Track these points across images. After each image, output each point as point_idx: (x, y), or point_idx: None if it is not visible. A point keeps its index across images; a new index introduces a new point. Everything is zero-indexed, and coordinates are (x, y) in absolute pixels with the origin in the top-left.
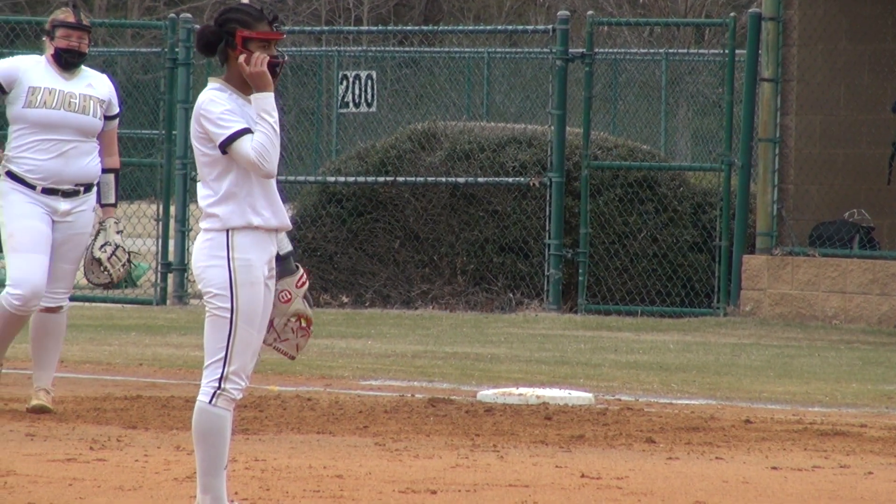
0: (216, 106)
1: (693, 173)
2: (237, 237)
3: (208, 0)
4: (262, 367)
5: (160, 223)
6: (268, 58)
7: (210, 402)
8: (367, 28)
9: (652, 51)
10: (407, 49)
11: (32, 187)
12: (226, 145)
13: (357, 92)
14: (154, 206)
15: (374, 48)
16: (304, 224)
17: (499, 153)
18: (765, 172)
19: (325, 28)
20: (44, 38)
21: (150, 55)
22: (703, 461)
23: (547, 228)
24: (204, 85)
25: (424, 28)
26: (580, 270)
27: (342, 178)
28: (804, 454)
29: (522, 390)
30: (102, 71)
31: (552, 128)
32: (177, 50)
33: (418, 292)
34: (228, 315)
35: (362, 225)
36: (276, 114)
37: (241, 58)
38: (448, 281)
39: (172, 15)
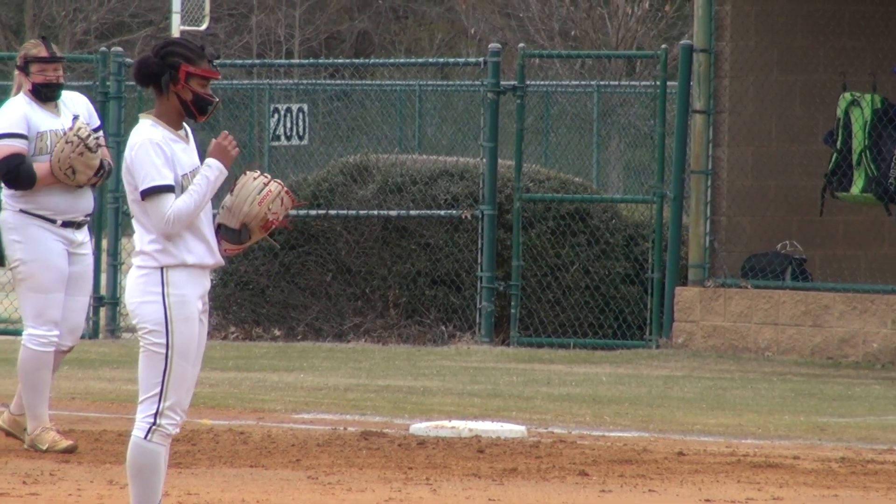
0: (147, 152)
1: (625, 205)
2: (172, 274)
3: (139, 34)
4: (195, 401)
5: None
6: (229, 136)
7: (145, 437)
8: (298, 61)
9: (584, 83)
10: (338, 82)
11: (52, 221)
12: (146, 195)
13: (289, 125)
14: None
15: (305, 81)
16: (237, 257)
17: (431, 186)
18: (697, 204)
19: (257, 61)
20: (16, 73)
21: (80, 88)
22: (636, 494)
23: (479, 261)
24: (134, 119)
25: (356, 61)
26: (512, 303)
27: None
28: (737, 486)
29: (455, 423)
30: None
31: (484, 160)
32: (108, 83)
33: (350, 325)
34: (164, 351)
35: (294, 258)
36: (215, 187)
37: (221, 140)
38: (380, 314)
39: (103, 48)
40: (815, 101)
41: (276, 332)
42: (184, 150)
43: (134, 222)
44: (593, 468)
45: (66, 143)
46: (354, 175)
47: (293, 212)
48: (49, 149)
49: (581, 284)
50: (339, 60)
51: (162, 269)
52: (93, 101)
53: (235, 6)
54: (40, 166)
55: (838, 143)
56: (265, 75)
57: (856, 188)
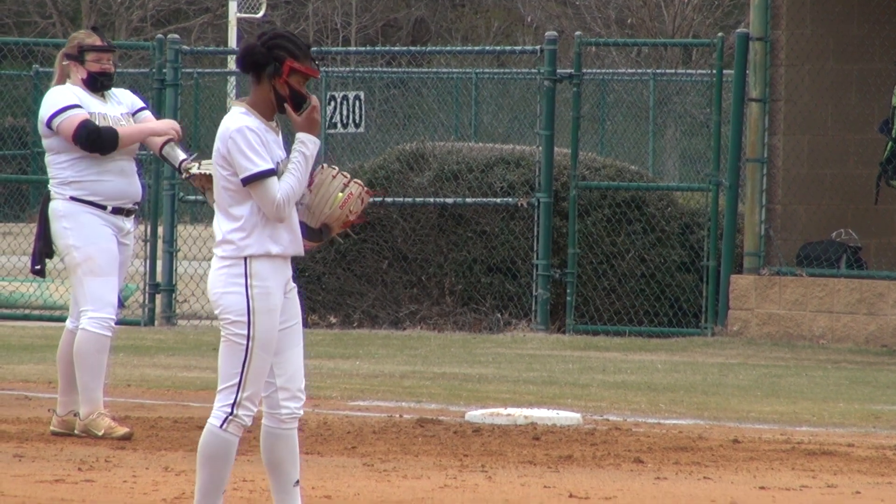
0: (246, 137)
1: (681, 193)
2: (255, 265)
3: (196, 21)
4: None
5: (148, 244)
6: (318, 107)
7: (221, 426)
8: (354, 49)
9: (640, 71)
10: (395, 70)
11: (103, 207)
12: (249, 182)
13: (345, 112)
14: (142, 227)
15: (361, 69)
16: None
17: (487, 173)
18: (752, 192)
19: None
20: (65, 63)
21: (137, 76)
22: (691, 481)
23: (535, 249)
24: (191, 106)
25: (412, 49)
26: (568, 290)
27: None
28: (792, 474)
29: (511, 411)
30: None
31: (540, 148)
32: (164, 70)
33: (406, 313)
34: (245, 342)
35: (350, 245)
36: (312, 161)
37: (310, 112)
38: (436, 301)
39: (160, 36)
40: (871, 89)
41: (332, 320)
42: (273, 139)
43: (217, 209)
44: (648, 455)
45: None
46: (411, 162)
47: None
48: None
49: (636, 272)
50: (396, 48)
51: (245, 259)
52: (137, 92)
53: None
54: (124, 129)
55: (893, 132)
56: (322, 62)
57: None
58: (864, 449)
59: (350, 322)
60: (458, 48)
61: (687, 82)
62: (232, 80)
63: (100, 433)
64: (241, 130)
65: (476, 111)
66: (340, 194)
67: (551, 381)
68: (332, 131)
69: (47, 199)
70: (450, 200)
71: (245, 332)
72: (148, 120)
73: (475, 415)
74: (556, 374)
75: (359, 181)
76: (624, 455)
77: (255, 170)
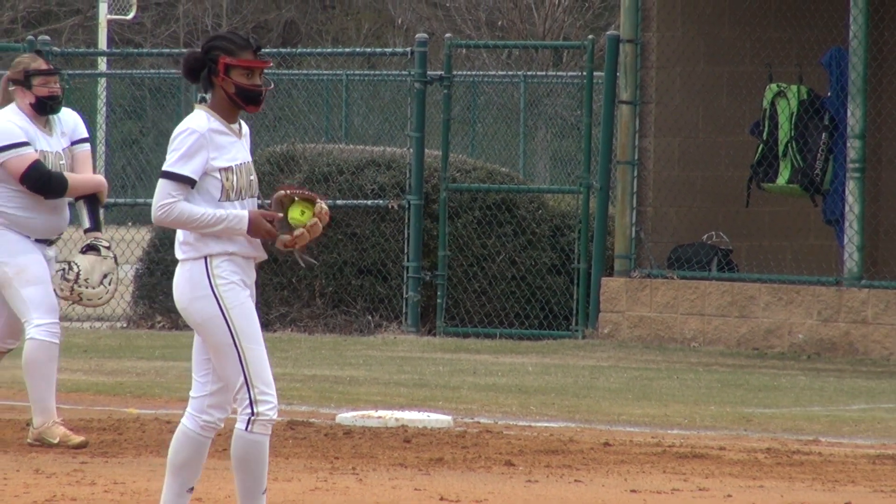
0: (182, 137)
1: (552, 196)
2: (216, 262)
3: (67, 22)
4: (121, 390)
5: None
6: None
7: (246, 428)
8: None
9: (510, 73)
10: (265, 71)
11: (27, 236)
12: (161, 175)
13: None
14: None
15: None
16: (163, 246)
17: (357, 176)
18: (623, 195)
19: (184, 50)
20: (12, 89)
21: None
22: (562, 484)
23: (405, 251)
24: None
25: (283, 50)
26: (439, 293)
27: None
28: (663, 477)
29: (381, 413)
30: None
31: (411, 150)
32: None
33: (277, 315)
34: (231, 341)
35: None
36: (221, 231)
37: (267, 224)
38: (307, 303)
39: (30, 37)
40: (742, 92)
41: None
42: (232, 142)
43: None
44: (519, 458)
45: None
46: (281, 164)
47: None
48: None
49: (507, 274)
50: (266, 50)
51: (205, 258)
52: (81, 115)
53: None
54: (73, 177)
55: (764, 134)
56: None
57: (781, 179)
58: (736, 452)
59: None
60: (329, 50)
61: (558, 84)
62: (103, 81)
63: (55, 441)
64: (184, 131)
65: (346, 113)
66: (301, 229)
67: (422, 384)
68: None
69: None
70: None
71: (227, 331)
72: (86, 157)
73: (346, 417)
74: (426, 377)
75: (323, 204)
76: (495, 458)
77: (170, 168)
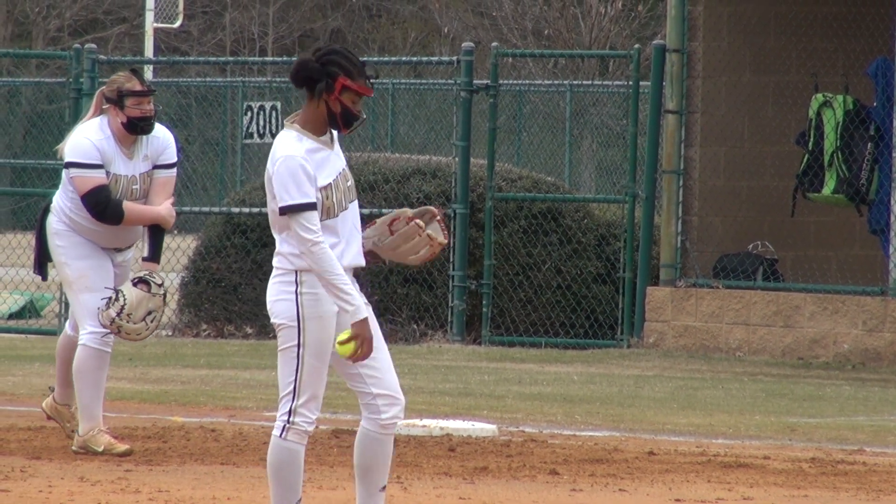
0: (289, 167)
1: (597, 205)
2: (305, 275)
3: (113, 31)
4: (166, 398)
5: None
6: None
7: (281, 435)
8: (271, 59)
9: (556, 82)
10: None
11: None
12: (284, 212)
13: (261, 122)
14: None
15: (278, 79)
16: (209, 255)
17: (403, 184)
18: (669, 204)
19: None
20: (105, 107)
21: (54, 85)
22: (606, 493)
23: (451, 260)
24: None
25: None
26: (484, 302)
27: (247, 209)
28: (708, 486)
29: (426, 422)
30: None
31: (456, 159)
32: (81, 80)
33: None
34: (296, 349)
35: (267, 256)
36: (338, 294)
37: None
38: None
39: (77, 45)
40: (788, 102)
41: (248, 330)
42: (327, 157)
43: (270, 221)
44: (564, 467)
45: None
46: None
47: (265, 209)
48: (119, 194)
49: (553, 284)
50: None
51: (296, 271)
52: (175, 137)
53: (209, 3)
54: (133, 207)
55: (810, 144)
56: (239, 73)
57: (827, 189)
58: (780, 461)
59: (266, 332)
60: (375, 58)
61: (603, 94)
62: None
63: (100, 449)
64: (286, 161)
65: (392, 122)
66: (423, 251)
67: (467, 393)
68: (248, 141)
69: (47, 208)
70: (366, 211)
71: (296, 338)
72: (164, 182)
73: None
74: (471, 386)
75: (442, 235)
76: (539, 467)
77: (291, 202)
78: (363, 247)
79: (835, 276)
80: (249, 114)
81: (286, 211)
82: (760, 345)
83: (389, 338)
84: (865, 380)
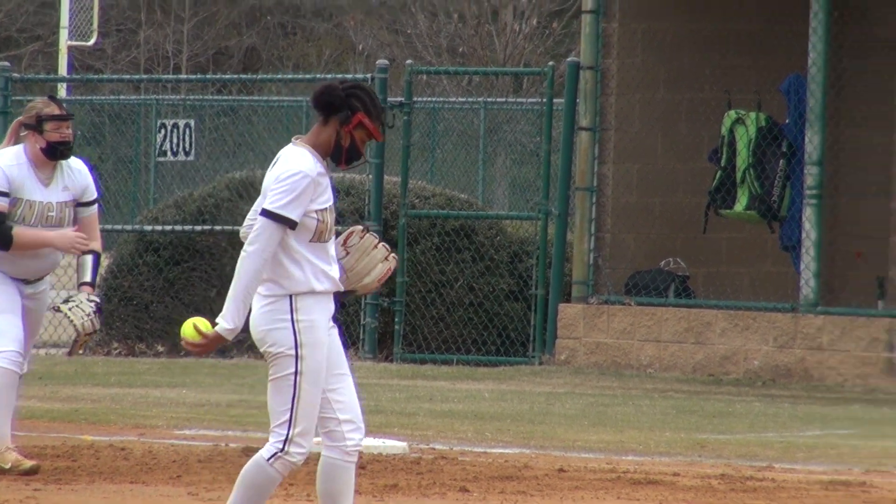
0: (299, 184)
1: (510, 222)
2: (300, 300)
3: (27, 48)
4: (76, 417)
5: None
6: None
7: (268, 459)
8: (185, 76)
9: (470, 99)
10: (225, 97)
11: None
12: (264, 213)
13: (175, 140)
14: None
15: (192, 96)
16: (121, 273)
17: None
18: (581, 221)
19: (144, 76)
20: (24, 133)
21: None
22: None
23: None
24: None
25: (243, 76)
26: (396, 319)
27: (159, 227)
28: (617, 503)
29: None
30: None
31: (370, 176)
32: None
33: (234, 341)
34: (293, 377)
35: (179, 274)
36: (235, 313)
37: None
38: None
39: None
40: (701, 118)
41: (160, 348)
42: (327, 184)
43: None
44: (474, 484)
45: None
46: (241, 191)
47: (178, 227)
48: (33, 220)
49: (465, 301)
50: (227, 76)
51: (290, 296)
52: (92, 171)
53: (123, 21)
54: (24, 232)
55: (723, 161)
56: (152, 90)
57: (739, 206)
58: (690, 478)
59: (177, 351)
60: (289, 76)
61: (517, 111)
62: None
63: (7, 466)
64: (302, 176)
65: None
66: (381, 265)
67: (378, 410)
68: (161, 159)
69: None
70: None
71: (293, 367)
72: (90, 220)
73: None
74: (382, 403)
75: (387, 246)
76: (450, 484)
77: (278, 210)
78: None
79: (746, 292)
80: (163, 131)
81: (268, 214)
82: (671, 361)
83: None
84: (775, 396)
